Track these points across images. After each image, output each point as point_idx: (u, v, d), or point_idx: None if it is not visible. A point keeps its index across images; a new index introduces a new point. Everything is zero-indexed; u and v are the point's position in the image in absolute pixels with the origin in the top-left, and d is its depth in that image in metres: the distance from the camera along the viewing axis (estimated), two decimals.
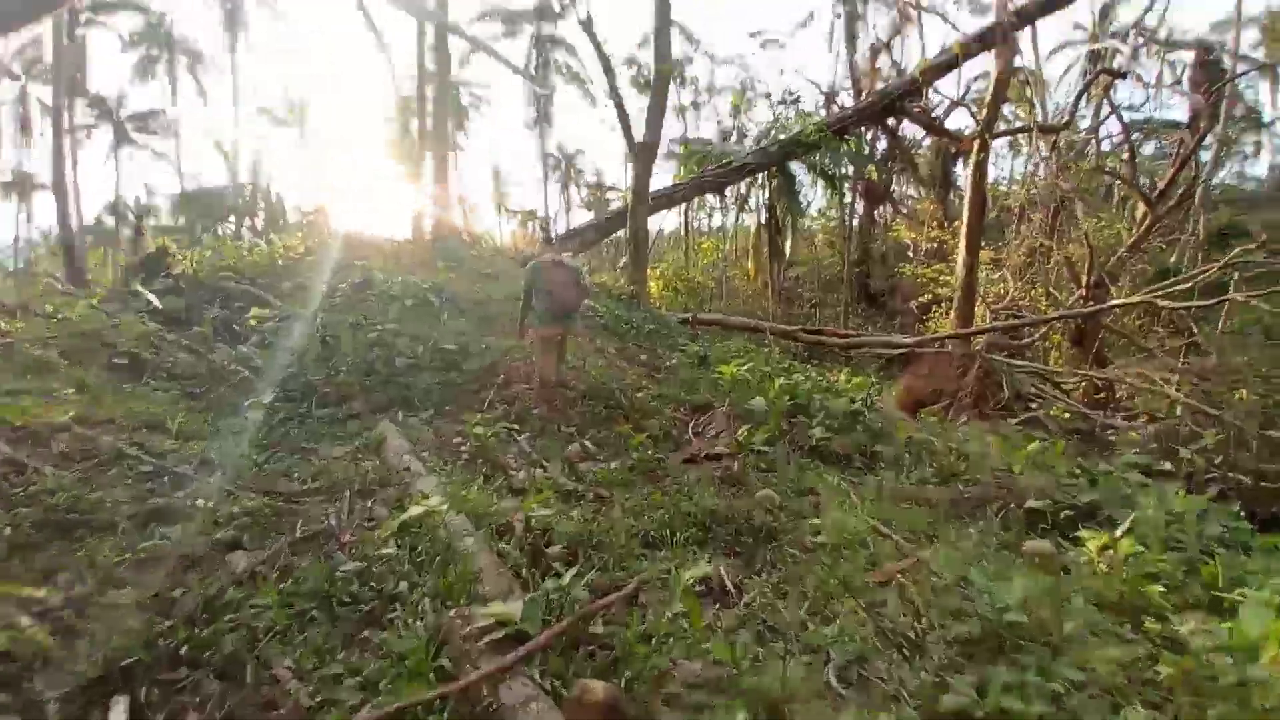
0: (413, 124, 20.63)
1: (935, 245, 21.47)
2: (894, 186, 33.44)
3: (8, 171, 34.71)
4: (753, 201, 31.70)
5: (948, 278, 16.53)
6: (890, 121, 21.54)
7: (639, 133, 14.04)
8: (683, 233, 37.39)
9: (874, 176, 22.29)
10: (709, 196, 35.35)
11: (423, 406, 6.06)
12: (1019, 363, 12.17)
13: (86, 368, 5.72)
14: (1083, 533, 3.46)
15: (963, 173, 33.01)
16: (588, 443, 5.14)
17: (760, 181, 29.92)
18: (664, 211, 21.05)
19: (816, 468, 5.21)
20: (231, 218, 32.84)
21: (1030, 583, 2.86)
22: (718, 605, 2.88)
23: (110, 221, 39.01)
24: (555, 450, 5.12)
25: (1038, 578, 3.00)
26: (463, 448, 4.88)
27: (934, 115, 17.70)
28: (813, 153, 15.98)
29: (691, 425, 6.11)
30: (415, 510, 2.57)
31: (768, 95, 25.04)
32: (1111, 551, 3.18)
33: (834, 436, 5.72)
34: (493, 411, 5.88)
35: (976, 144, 12.76)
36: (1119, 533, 3.20)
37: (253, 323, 7.49)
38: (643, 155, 13.96)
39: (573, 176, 54.14)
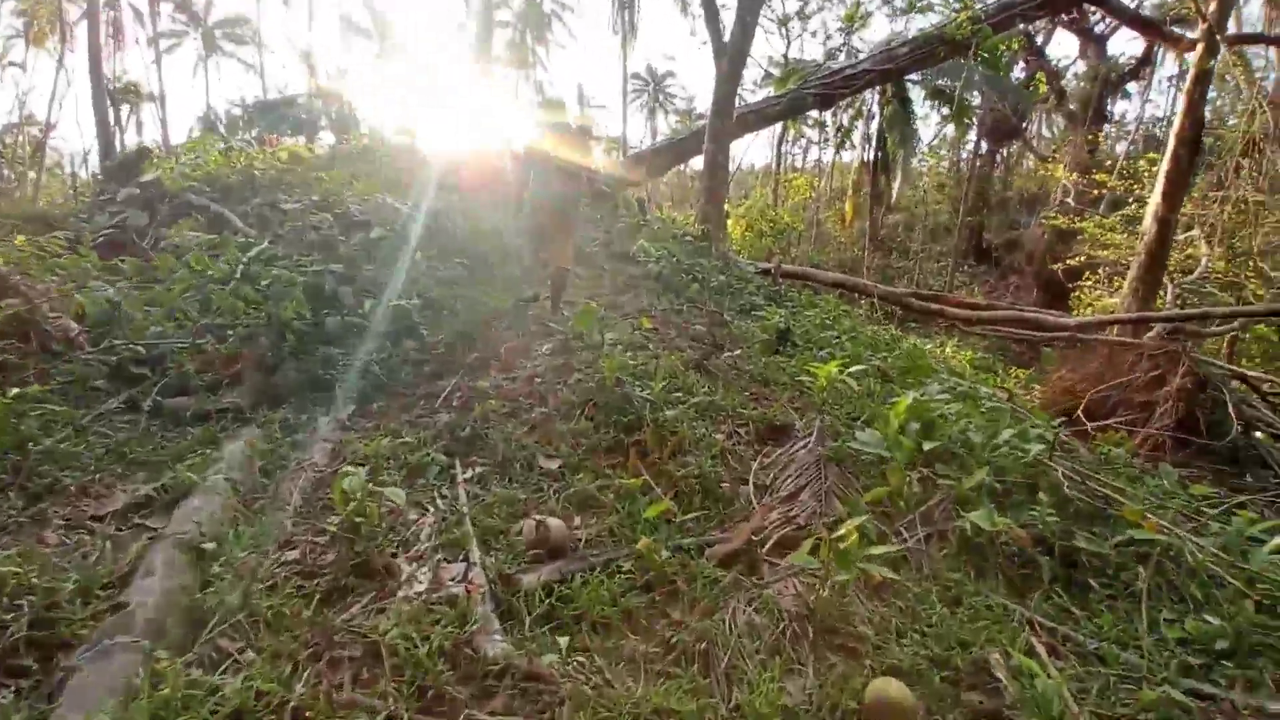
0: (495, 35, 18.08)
1: (1081, 191, 17.35)
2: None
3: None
4: (856, 136, 27.60)
5: (1114, 236, 12.85)
6: (1041, 28, 17.22)
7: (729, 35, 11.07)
8: (773, 166, 33.73)
9: (1042, 90, 18.23)
10: (805, 127, 31.26)
11: (345, 398, 3.99)
12: (1222, 364, 8.93)
13: None
14: None
15: (1113, 107, 27.55)
16: (556, 518, 2.85)
17: (868, 110, 25.86)
18: (751, 140, 17.89)
19: (974, 590, 2.78)
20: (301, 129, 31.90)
21: None
22: None
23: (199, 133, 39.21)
24: (505, 515, 2.91)
25: None
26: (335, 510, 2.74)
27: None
28: (954, 57, 12.39)
29: (755, 467, 3.73)
30: None
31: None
32: None
33: (1002, 514, 3.24)
34: (437, 419, 3.71)
35: (1201, 48, 9.10)
36: None
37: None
38: (729, 60, 11.02)
39: (660, 101, 49.83)
